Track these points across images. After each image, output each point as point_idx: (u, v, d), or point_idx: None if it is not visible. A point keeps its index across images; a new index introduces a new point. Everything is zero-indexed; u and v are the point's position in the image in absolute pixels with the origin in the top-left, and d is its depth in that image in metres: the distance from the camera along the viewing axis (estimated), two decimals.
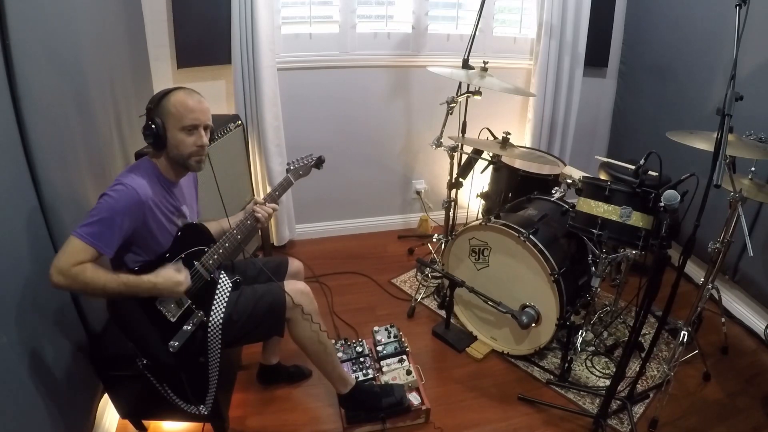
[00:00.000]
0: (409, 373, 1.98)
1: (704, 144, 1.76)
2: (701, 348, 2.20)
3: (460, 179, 2.58)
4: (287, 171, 1.81)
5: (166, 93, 1.45)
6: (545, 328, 2.07)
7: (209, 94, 2.73)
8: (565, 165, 2.65)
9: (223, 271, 1.63)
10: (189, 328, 1.48)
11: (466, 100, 2.59)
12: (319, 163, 1.88)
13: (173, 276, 1.40)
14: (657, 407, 1.91)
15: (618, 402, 1.89)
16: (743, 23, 1.39)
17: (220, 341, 1.55)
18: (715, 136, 1.35)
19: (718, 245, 1.89)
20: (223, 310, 1.56)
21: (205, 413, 1.65)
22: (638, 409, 1.96)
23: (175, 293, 1.42)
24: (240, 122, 2.64)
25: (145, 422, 1.83)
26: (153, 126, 1.41)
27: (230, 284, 1.62)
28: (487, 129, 2.54)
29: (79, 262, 1.29)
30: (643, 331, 2.34)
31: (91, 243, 1.30)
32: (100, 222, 1.31)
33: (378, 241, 3.27)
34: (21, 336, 1.29)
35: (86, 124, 1.70)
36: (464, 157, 2.54)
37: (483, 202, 2.75)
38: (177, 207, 1.55)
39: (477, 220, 2.31)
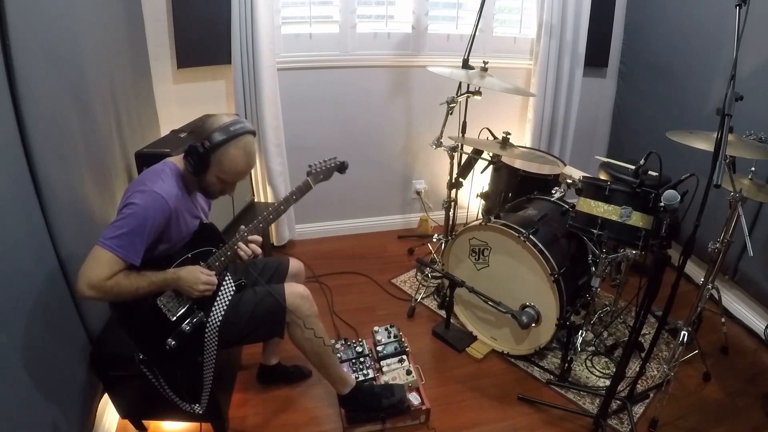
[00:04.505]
0: (409, 373, 1.98)
1: (704, 144, 1.76)
2: (701, 348, 2.20)
3: (460, 179, 2.58)
4: (308, 174, 1.67)
5: (231, 138, 1.37)
6: (545, 328, 2.07)
7: (209, 94, 2.80)
8: (565, 165, 2.65)
9: (228, 274, 1.61)
10: (188, 328, 1.48)
11: (466, 100, 2.59)
12: (341, 167, 1.73)
13: (196, 271, 1.44)
14: (657, 407, 1.91)
15: (618, 402, 1.89)
16: (743, 23, 1.39)
17: (216, 342, 1.55)
18: (715, 136, 1.35)
19: (718, 245, 1.89)
20: (223, 312, 1.55)
21: (200, 412, 1.65)
22: (638, 409, 1.96)
23: (193, 289, 1.43)
24: None
25: (145, 422, 1.83)
26: (203, 166, 1.39)
27: (234, 287, 1.61)
28: (487, 129, 2.54)
29: (111, 276, 1.29)
30: (643, 331, 2.34)
31: (124, 256, 1.30)
32: (132, 233, 1.30)
33: (378, 241, 3.27)
34: (21, 336, 1.29)
35: (86, 124, 1.70)
36: (464, 157, 2.54)
37: (483, 202, 2.75)
38: (195, 213, 1.55)
39: (477, 220, 2.31)
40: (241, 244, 1.51)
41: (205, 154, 1.37)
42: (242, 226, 1.55)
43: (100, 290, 1.28)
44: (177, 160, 1.49)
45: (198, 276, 1.44)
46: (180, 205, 1.43)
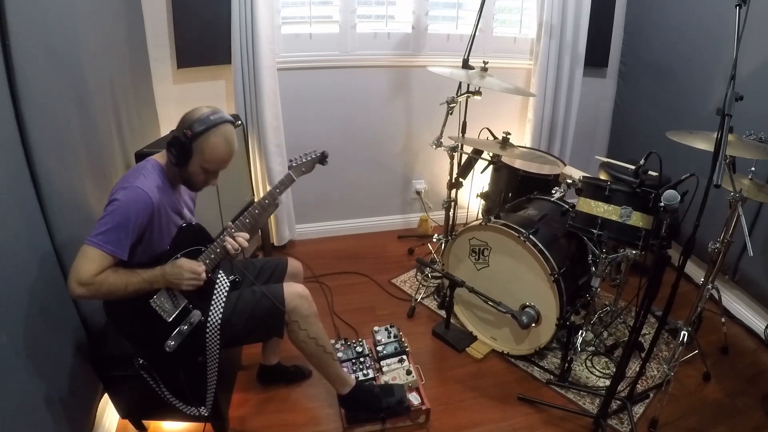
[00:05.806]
0: (409, 373, 1.98)
1: (704, 144, 1.76)
2: (701, 348, 2.20)
3: (460, 179, 2.58)
4: (289, 168, 1.73)
5: (211, 126, 1.40)
6: (545, 328, 2.07)
7: (209, 94, 2.80)
8: (565, 165, 2.65)
9: (221, 271, 1.62)
10: (186, 328, 1.48)
11: (466, 100, 2.59)
12: (322, 158, 1.79)
13: (180, 262, 1.43)
14: (657, 407, 1.91)
15: (618, 402, 1.89)
16: (743, 23, 1.39)
17: (218, 342, 1.55)
18: (715, 136, 1.35)
19: (718, 245, 1.89)
20: (222, 310, 1.55)
21: (206, 414, 1.65)
22: (638, 409, 1.96)
23: (180, 281, 1.42)
24: (240, 122, 2.64)
25: (145, 422, 1.83)
26: (186, 156, 1.41)
27: (228, 284, 1.61)
28: (487, 129, 2.54)
29: (100, 272, 1.30)
30: (643, 331, 2.34)
31: (111, 251, 1.31)
32: (117, 228, 1.31)
33: (378, 241, 3.27)
34: (21, 336, 1.29)
35: (86, 124, 1.70)
36: (464, 157, 2.54)
37: (483, 202, 2.75)
38: (178, 209, 1.56)
39: (477, 220, 2.31)
40: (228, 238, 1.52)
41: (187, 143, 1.40)
42: (229, 222, 1.57)
43: (89, 287, 1.29)
44: (159, 156, 1.51)
45: (182, 265, 1.44)
46: (163, 199, 1.44)
